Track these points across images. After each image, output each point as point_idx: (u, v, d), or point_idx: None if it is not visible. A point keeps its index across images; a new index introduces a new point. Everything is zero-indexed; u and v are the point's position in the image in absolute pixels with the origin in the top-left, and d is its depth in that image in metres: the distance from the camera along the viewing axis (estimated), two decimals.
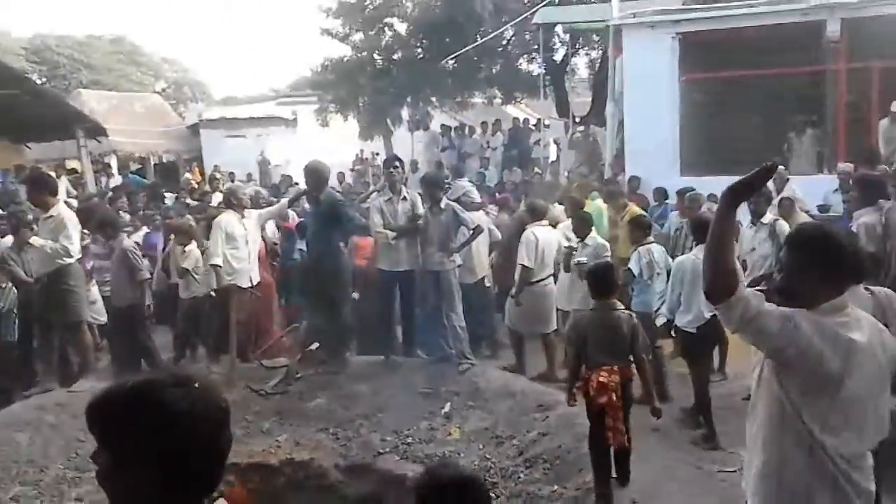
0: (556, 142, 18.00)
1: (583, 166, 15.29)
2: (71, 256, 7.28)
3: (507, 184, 14.92)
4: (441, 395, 6.88)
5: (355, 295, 8.33)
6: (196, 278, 8.28)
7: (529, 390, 6.78)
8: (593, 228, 7.89)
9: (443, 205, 7.59)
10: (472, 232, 7.72)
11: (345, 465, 6.04)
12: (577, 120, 18.22)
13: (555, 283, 7.96)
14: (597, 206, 9.62)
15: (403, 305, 7.81)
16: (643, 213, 9.20)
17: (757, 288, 2.84)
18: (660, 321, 6.58)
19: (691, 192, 9.12)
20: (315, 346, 7.70)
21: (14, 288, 7.74)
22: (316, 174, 7.71)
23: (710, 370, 6.56)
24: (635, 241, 7.17)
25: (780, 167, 10.20)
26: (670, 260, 6.99)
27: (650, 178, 11.79)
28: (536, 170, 16.23)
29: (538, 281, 7.79)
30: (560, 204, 9.31)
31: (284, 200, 9.33)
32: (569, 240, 7.84)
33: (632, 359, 4.95)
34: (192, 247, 8.45)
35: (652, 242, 7.09)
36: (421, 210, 7.71)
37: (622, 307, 5.16)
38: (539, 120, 18.39)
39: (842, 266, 2.59)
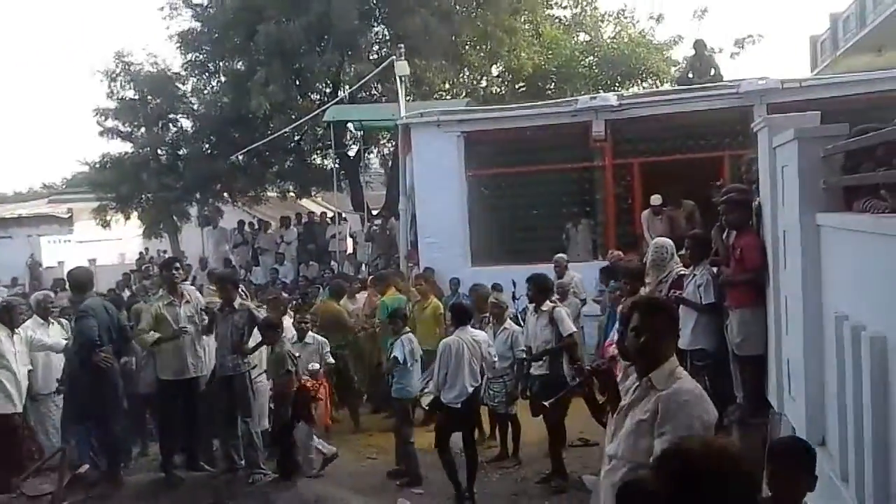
0: (352, 235, 18.07)
1: (380, 258, 15.43)
2: None
3: (301, 279, 14.66)
4: None
5: None
6: None
7: (326, 496, 6.48)
8: None
9: (236, 304, 7.26)
10: None
11: None
12: (374, 213, 18.49)
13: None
14: (393, 296, 9.70)
15: (187, 416, 7.22)
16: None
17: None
18: (426, 399, 7.09)
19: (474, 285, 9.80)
20: (85, 468, 6.89)
21: None
22: (76, 281, 7.21)
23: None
24: (395, 331, 7.45)
25: (562, 255, 10.87)
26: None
27: (444, 268, 12.07)
28: (333, 263, 16.14)
29: None
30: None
31: (62, 343, 7.64)
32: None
33: None
34: None
35: (408, 332, 7.42)
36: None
37: None
38: (336, 213, 18.44)
39: None
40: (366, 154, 20.49)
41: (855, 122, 4.32)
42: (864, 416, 3.40)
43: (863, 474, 3.45)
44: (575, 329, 7.41)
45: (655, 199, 11.41)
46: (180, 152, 18.99)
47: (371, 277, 11.50)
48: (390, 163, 20.37)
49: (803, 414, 4.46)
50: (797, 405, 4.67)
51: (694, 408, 2.96)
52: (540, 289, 7.36)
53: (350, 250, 17.47)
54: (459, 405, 6.63)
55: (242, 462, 7.10)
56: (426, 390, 7.17)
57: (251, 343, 7.23)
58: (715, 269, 6.32)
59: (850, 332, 3.57)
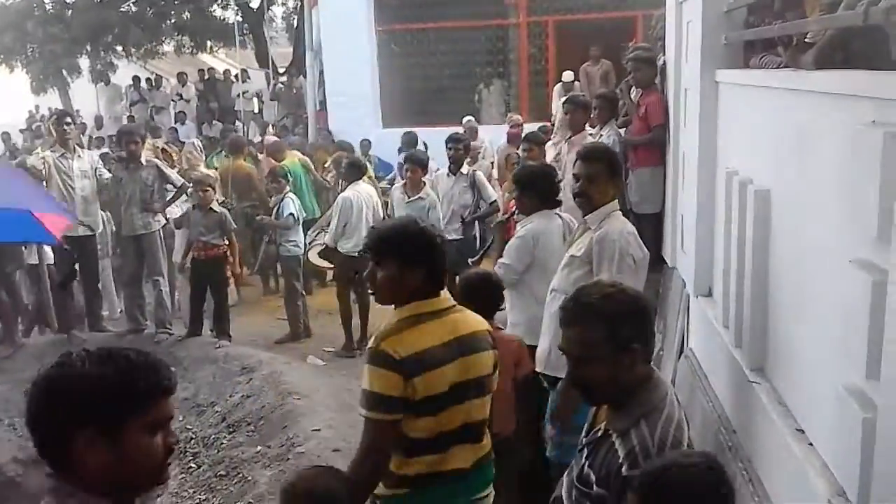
0: (257, 94, 17.34)
1: (287, 119, 14.94)
2: None
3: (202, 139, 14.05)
4: None
5: None
6: None
7: (234, 354, 6.54)
8: None
9: (143, 160, 6.99)
10: (177, 189, 7.27)
11: (25, 457, 5.39)
12: (280, 71, 17.73)
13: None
14: (293, 161, 9.39)
15: (85, 275, 7.04)
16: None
17: None
18: (316, 250, 7.53)
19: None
20: None
21: None
22: None
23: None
24: (279, 191, 7.83)
25: (470, 117, 10.76)
26: None
27: (355, 129, 11.77)
28: (238, 123, 15.54)
29: None
30: None
31: None
32: None
33: None
34: None
35: (290, 192, 7.95)
36: (102, 168, 7.05)
37: None
38: (240, 70, 17.57)
39: None
40: (269, 6, 19.38)
41: None
42: (746, 266, 3.57)
43: (741, 320, 3.65)
44: (496, 196, 7.48)
45: (567, 76, 11.32)
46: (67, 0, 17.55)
47: (266, 147, 10.78)
48: (295, 18, 19.36)
49: (692, 267, 4.66)
50: (688, 259, 4.87)
51: (624, 247, 3.43)
52: (466, 149, 7.40)
53: (256, 110, 16.83)
54: (356, 254, 6.99)
55: (147, 322, 7.03)
56: (315, 242, 7.75)
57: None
58: (622, 130, 6.37)
59: (738, 187, 3.68)
